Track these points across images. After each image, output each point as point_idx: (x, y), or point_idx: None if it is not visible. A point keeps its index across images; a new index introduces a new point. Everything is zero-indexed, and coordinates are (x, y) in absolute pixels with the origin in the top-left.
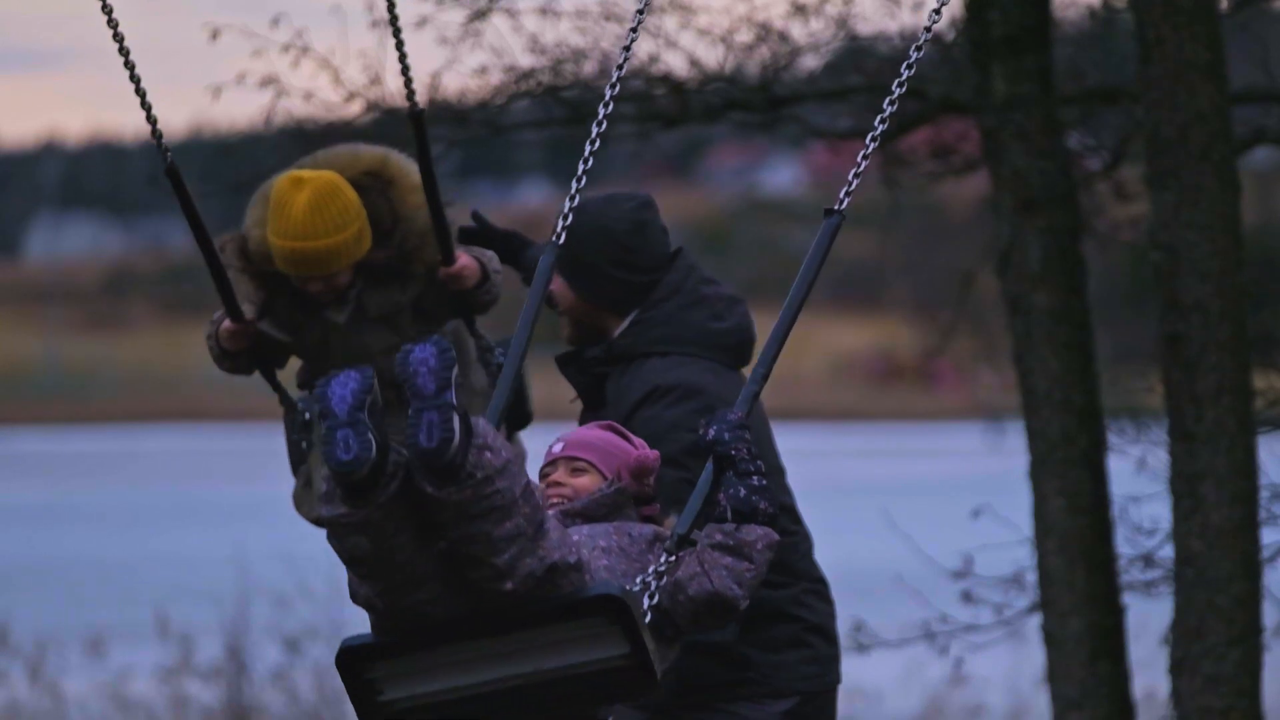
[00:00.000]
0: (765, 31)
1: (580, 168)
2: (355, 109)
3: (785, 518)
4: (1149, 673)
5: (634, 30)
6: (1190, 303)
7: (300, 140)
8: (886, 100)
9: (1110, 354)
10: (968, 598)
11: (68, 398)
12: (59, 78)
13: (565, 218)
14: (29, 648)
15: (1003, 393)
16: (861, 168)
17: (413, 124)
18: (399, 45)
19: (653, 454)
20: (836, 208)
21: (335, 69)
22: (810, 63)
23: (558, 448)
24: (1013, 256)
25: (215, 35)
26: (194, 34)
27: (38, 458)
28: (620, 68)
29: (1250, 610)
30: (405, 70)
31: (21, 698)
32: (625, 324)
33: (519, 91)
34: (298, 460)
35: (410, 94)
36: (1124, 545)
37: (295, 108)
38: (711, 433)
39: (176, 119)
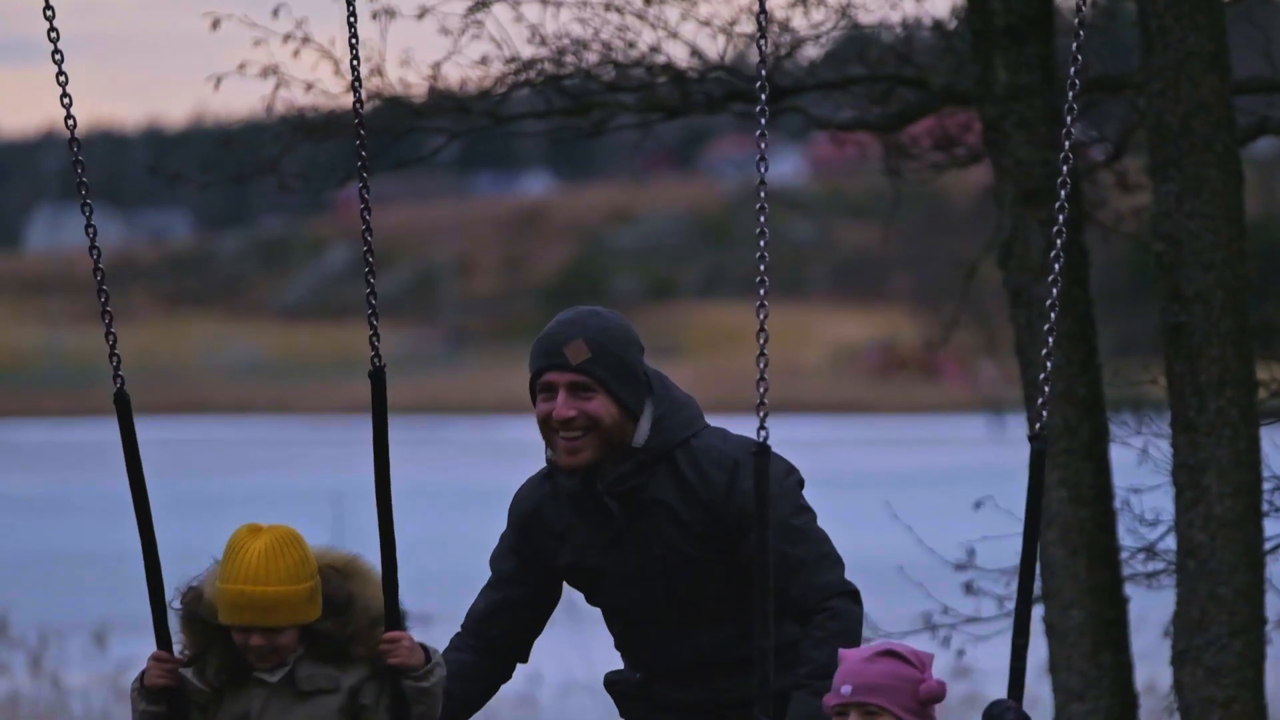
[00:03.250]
0: (767, 22)
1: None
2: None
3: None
4: (1151, 664)
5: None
6: (1193, 293)
7: (301, 130)
8: None
9: (1112, 345)
10: (970, 589)
11: (68, 388)
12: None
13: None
14: (30, 639)
15: (1004, 384)
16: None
17: (371, 382)
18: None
19: (939, 683)
20: (1037, 432)
21: (336, 59)
22: (812, 53)
23: (846, 690)
24: (1014, 247)
25: (216, 25)
26: (195, 24)
27: (38, 448)
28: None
29: (1253, 602)
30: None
31: (23, 689)
32: (646, 425)
33: (520, 82)
34: None
35: (374, 341)
36: (1126, 537)
37: (296, 98)
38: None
39: (177, 109)
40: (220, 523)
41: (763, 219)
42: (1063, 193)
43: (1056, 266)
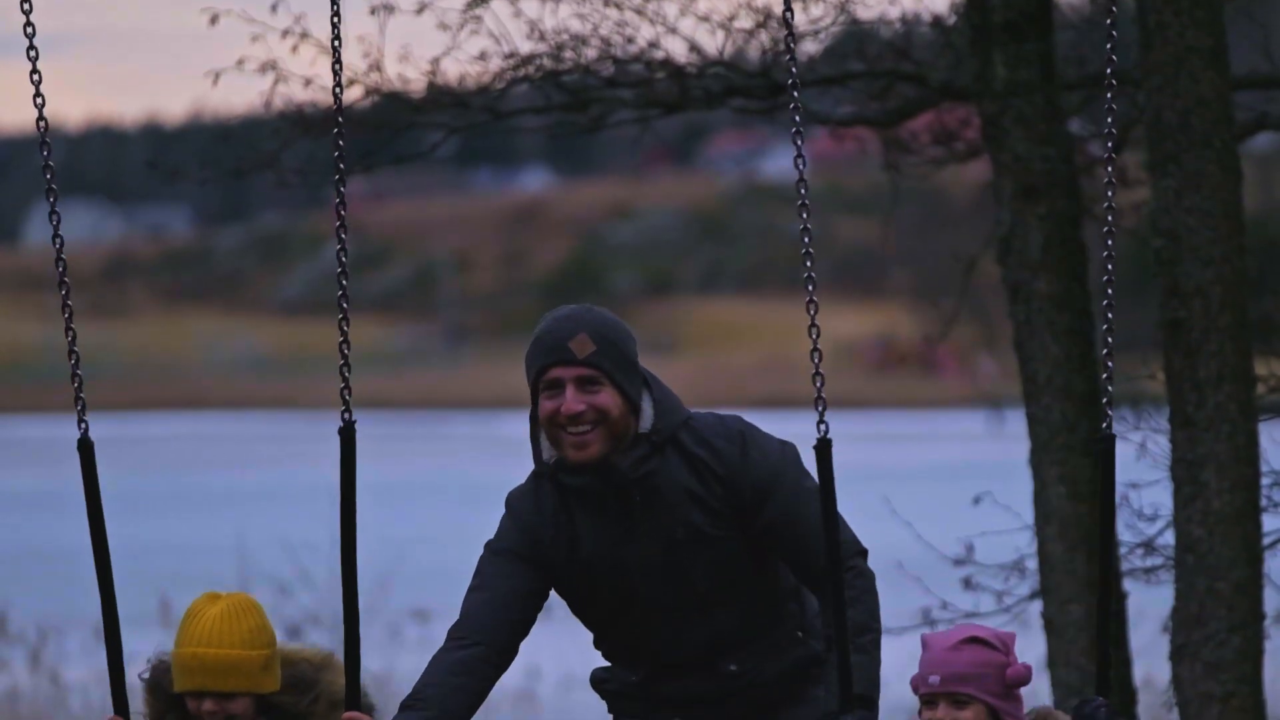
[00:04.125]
0: (765, 17)
1: None
2: (354, 94)
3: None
4: (1150, 659)
5: None
6: (1191, 289)
7: (299, 126)
8: None
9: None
10: (969, 584)
11: (67, 384)
12: (57, 64)
13: None
14: (30, 635)
15: (1003, 379)
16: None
17: (340, 439)
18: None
19: (1025, 667)
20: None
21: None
22: (811, 48)
23: (934, 680)
24: (1014, 243)
25: (214, 20)
26: (194, 19)
27: (37, 444)
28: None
29: (1251, 597)
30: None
31: (22, 685)
32: (649, 410)
33: (519, 77)
34: None
35: (345, 395)
36: (1125, 532)
37: (294, 93)
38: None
39: (176, 105)
40: (219, 519)
41: (804, 214)
42: (1109, 197)
43: (1109, 265)
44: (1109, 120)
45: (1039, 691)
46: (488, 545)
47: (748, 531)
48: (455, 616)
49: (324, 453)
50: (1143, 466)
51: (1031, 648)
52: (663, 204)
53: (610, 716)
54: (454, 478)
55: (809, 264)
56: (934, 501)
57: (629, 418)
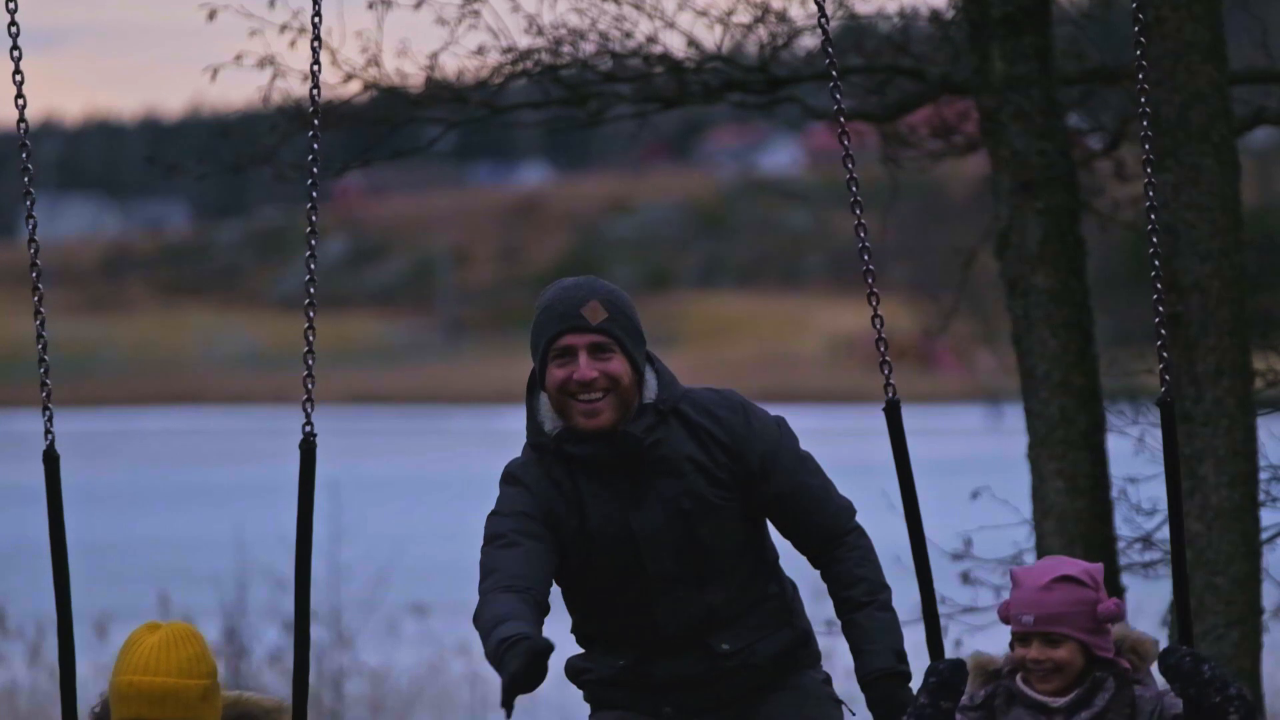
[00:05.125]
0: (764, 11)
1: None
2: (353, 89)
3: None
4: None
5: None
6: (1190, 283)
7: (298, 121)
8: None
9: (1109, 335)
10: (967, 579)
11: (65, 380)
12: (55, 59)
13: None
14: (29, 630)
15: (1001, 374)
16: None
17: (300, 454)
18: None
19: (1116, 604)
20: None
21: (333, 49)
22: (809, 43)
23: (1028, 620)
24: (1012, 237)
25: (212, 16)
26: (192, 14)
27: (35, 439)
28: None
29: (1250, 592)
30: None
31: (21, 679)
32: (653, 381)
33: (517, 72)
34: None
35: (306, 407)
36: (1123, 526)
37: (293, 88)
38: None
39: (174, 99)
40: (217, 514)
41: (858, 211)
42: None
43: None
44: (1144, 111)
45: None
46: (498, 512)
47: (752, 500)
48: (454, 614)
49: (321, 447)
50: (1141, 461)
51: None
52: (661, 199)
53: (599, 713)
54: (452, 472)
55: (866, 257)
56: (932, 496)
57: (636, 387)
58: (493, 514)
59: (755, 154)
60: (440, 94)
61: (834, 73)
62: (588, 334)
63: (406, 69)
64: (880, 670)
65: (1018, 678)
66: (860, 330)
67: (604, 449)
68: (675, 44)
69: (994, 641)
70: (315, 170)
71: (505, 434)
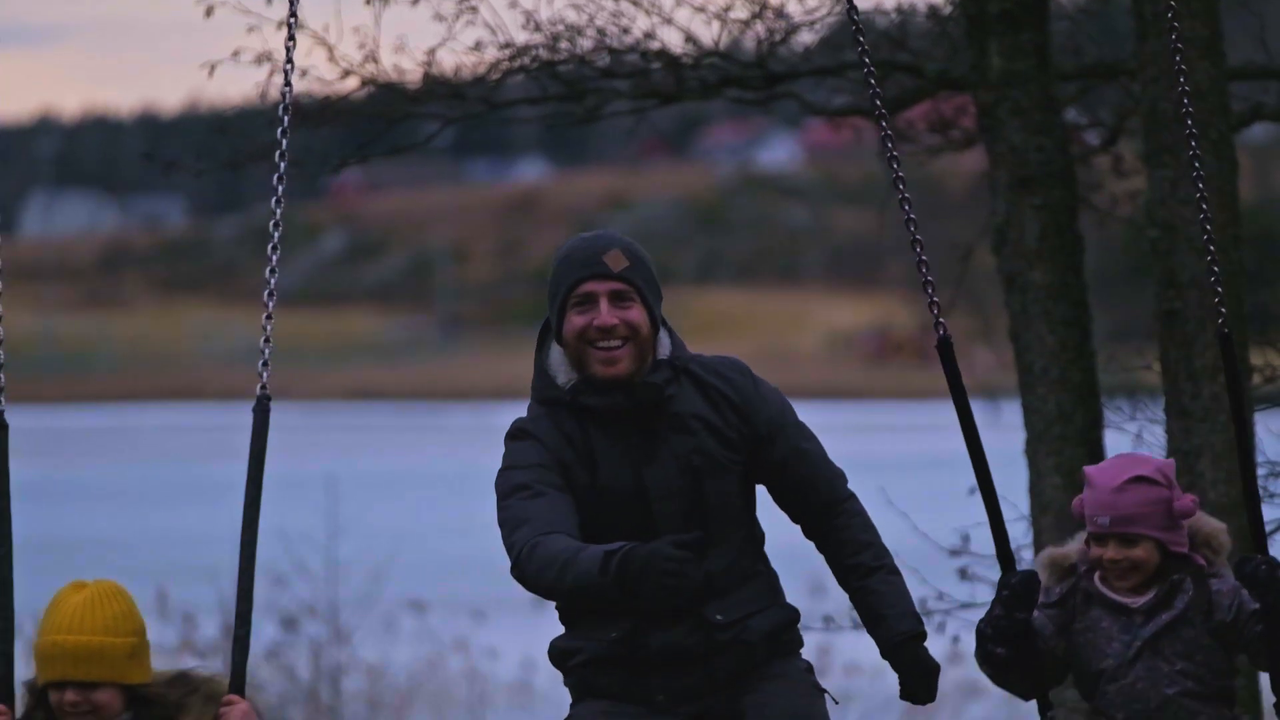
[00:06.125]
0: (761, 7)
1: None
2: (350, 85)
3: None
4: None
5: None
6: (1187, 279)
7: (296, 117)
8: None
9: (1107, 331)
10: (964, 575)
11: (63, 375)
12: (53, 54)
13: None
14: (26, 626)
15: (999, 370)
16: None
17: (254, 414)
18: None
19: (1191, 500)
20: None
21: (330, 46)
22: (806, 38)
23: (1104, 521)
24: (1009, 233)
25: (209, 12)
26: (190, 10)
27: (34, 435)
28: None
29: None
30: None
31: (18, 675)
32: (666, 339)
33: (515, 68)
34: None
35: (262, 368)
36: None
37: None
38: None
39: (172, 95)
40: (215, 509)
41: (907, 205)
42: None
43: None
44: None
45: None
46: (513, 465)
47: (757, 463)
48: (452, 610)
49: (320, 443)
50: None
51: None
52: (659, 194)
53: (585, 703)
54: (450, 469)
55: (919, 251)
56: (930, 492)
57: (652, 340)
58: (507, 469)
59: (753, 150)
60: (438, 90)
61: (868, 66)
62: (609, 281)
63: (404, 65)
64: (905, 634)
65: (1095, 577)
66: (859, 327)
67: (623, 399)
68: (673, 40)
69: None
70: (283, 165)
71: (503, 430)
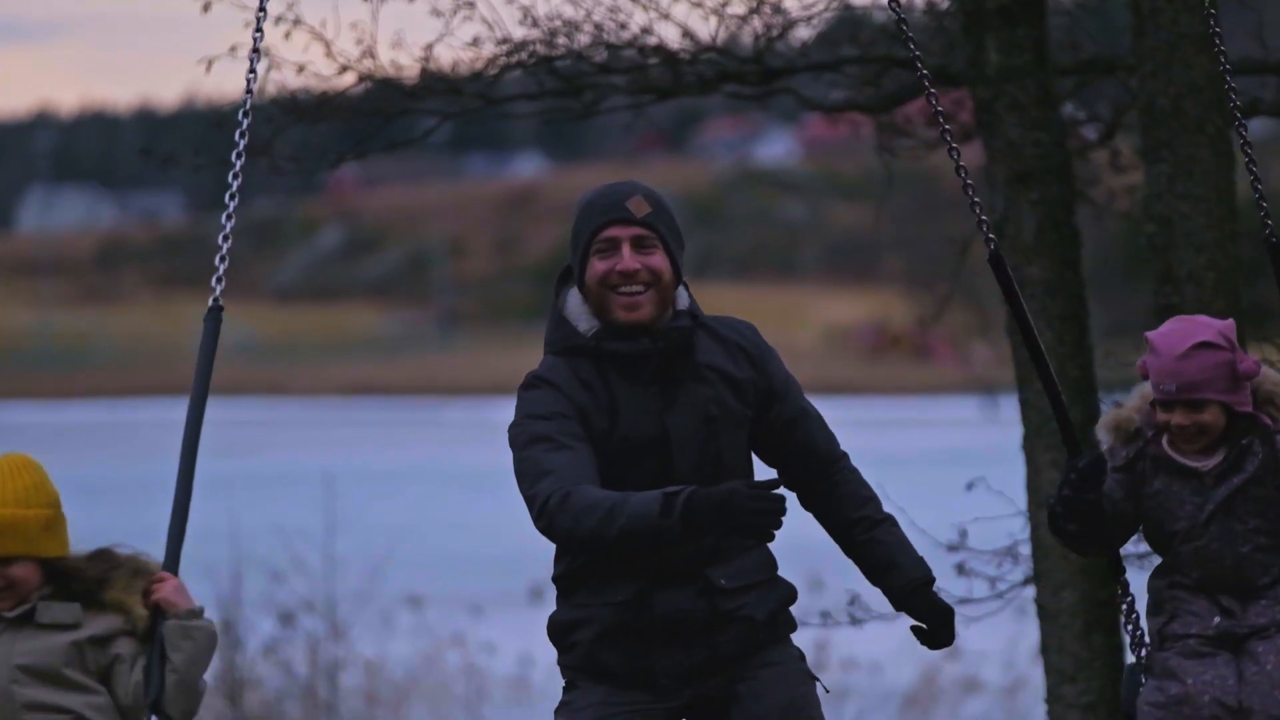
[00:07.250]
0: (759, 2)
1: None
2: (348, 80)
3: None
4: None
5: None
6: (1184, 274)
7: (293, 112)
8: None
9: (1104, 326)
10: (962, 570)
11: (60, 371)
12: (52, 49)
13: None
14: None
15: (996, 365)
16: None
17: (205, 323)
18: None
19: (1255, 362)
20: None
21: (328, 41)
22: (804, 34)
23: (1170, 388)
24: (1007, 228)
25: (207, 7)
26: (187, 6)
27: (29, 430)
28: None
29: None
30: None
31: None
32: (684, 294)
33: (512, 63)
34: None
35: (216, 282)
36: None
37: (288, 80)
38: None
39: (169, 91)
40: (212, 505)
41: (976, 194)
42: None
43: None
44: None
45: (1031, 678)
46: (532, 414)
47: (765, 419)
48: (450, 605)
49: (318, 439)
50: None
51: (1025, 634)
52: (656, 190)
53: (583, 690)
54: (447, 464)
55: (988, 233)
56: (927, 487)
57: (673, 288)
58: (525, 417)
59: (750, 145)
60: (435, 85)
61: (917, 55)
62: (632, 226)
63: (402, 60)
64: (919, 580)
65: (1163, 441)
66: (856, 322)
67: (644, 344)
68: (670, 35)
69: (991, 633)
70: (240, 160)
71: (501, 425)
